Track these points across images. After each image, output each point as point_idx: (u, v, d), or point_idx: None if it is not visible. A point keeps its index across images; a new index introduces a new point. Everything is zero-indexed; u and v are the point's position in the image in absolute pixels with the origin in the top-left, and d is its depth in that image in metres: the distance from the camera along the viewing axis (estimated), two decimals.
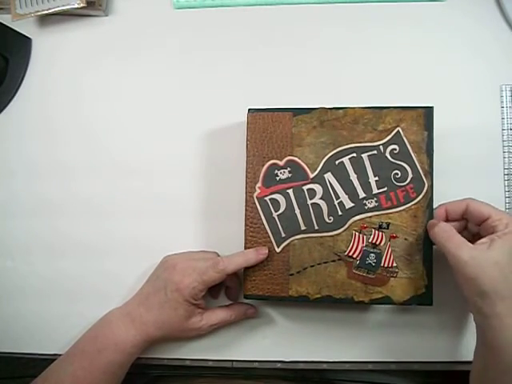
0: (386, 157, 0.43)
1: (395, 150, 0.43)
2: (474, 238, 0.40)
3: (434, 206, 0.42)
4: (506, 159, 0.48)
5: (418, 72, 0.50)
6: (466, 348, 0.46)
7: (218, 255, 0.47)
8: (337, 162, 0.43)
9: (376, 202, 0.42)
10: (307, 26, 0.51)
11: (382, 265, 0.42)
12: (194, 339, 0.48)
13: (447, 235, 0.39)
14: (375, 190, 0.43)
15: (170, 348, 0.49)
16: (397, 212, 0.42)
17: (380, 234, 0.42)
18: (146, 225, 0.50)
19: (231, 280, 0.47)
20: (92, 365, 0.42)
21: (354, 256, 0.42)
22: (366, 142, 0.43)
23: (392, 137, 0.43)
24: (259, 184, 0.44)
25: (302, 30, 0.51)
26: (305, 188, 0.43)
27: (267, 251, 0.43)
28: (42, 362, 0.44)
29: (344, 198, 0.43)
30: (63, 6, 0.50)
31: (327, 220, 0.43)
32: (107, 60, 0.53)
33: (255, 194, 0.44)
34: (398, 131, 0.43)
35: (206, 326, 0.45)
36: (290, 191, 0.43)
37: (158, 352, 0.49)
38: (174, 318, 0.43)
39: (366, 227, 0.43)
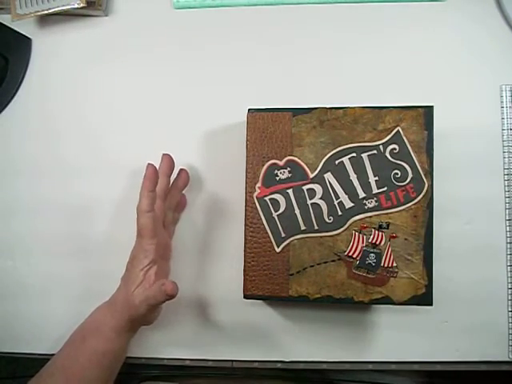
0: (386, 156, 0.43)
1: (395, 149, 0.43)
2: None
3: (435, 208, 0.42)
4: (506, 159, 0.48)
5: (417, 72, 0.50)
6: (466, 348, 0.46)
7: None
8: (337, 162, 0.43)
9: (376, 201, 0.42)
10: (307, 26, 0.51)
11: (381, 265, 0.42)
12: (193, 339, 0.48)
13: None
14: (375, 190, 0.43)
15: (170, 348, 0.49)
16: (397, 212, 0.42)
17: (380, 233, 0.42)
18: None
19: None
20: (77, 353, 0.43)
21: (354, 256, 0.42)
22: (365, 141, 0.43)
23: (392, 136, 0.43)
24: (259, 184, 0.44)
25: (302, 29, 0.51)
26: (305, 188, 0.43)
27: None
28: (41, 362, 0.44)
29: (344, 197, 0.43)
30: (63, 6, 0.50)
31: (327, 220, 0.43)
32: (107, 60, 0.53)
33: (255, 194, 0.44)
34: (398, 131, 0.43)
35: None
36: (290, 191, 0.43)
37: (157, 352, 0.49)
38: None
39: (365, 227, 0.42)
